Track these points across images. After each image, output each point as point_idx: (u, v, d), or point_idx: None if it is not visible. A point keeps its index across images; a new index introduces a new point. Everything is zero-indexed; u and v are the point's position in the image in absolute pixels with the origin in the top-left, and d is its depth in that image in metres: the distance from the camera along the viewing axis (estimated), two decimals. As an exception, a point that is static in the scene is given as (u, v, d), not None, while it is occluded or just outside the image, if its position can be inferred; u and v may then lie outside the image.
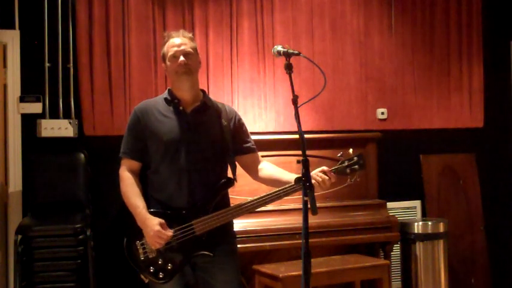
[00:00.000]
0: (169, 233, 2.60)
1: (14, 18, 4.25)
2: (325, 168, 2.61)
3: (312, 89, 4.68)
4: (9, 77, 4.24)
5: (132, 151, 2.79)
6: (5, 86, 4.28)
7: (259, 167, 2.86)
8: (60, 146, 4.28)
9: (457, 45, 5.23)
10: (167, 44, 2.77)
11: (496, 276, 5.20)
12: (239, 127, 2.86)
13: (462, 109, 5.23)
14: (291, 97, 2.33)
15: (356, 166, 2.62)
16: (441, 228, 4.54)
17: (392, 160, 4.97)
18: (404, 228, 4.49)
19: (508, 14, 5.46)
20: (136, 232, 2.67)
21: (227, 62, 4.61)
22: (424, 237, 4.48)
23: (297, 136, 2.38)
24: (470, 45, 5.26)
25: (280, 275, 3.64)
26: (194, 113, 2.74)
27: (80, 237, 3.77)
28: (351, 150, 2.65)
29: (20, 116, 4.25)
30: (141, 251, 2.68)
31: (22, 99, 4.24)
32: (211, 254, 2.65)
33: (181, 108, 2.74)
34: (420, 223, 4.53)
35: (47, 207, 4.07)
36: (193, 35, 4.46)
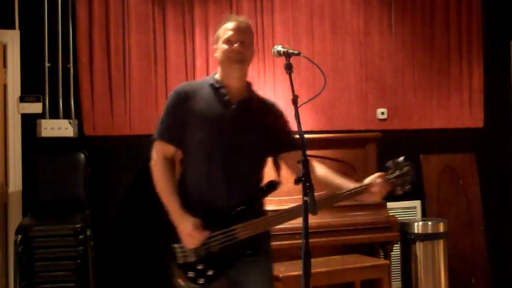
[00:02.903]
0: (205, 234, 2.41)
1: (14, 18, 4.25)
2: (381, 174, 2.48)
3: (312, 89, 4.68)
4: (9, 77, 4.25)
5: (170, 134, 2.51)
6: (5, 86, 4.28)
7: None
8: (60, 146, 4.28)
9: (457, 45, 5.23)
10: (224, 26, 2.54)
11: (496, 276, 5.20)
12: (285, 124, 2.65)
13: (462, 109, 5.23)
14: (291, 97, 2.33)
15: (408, 177, 2.50)
16: (441, 228, 4.54)
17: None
18: (404, 228, 4.49)
19: (508, 14, 5.46)
20: (174, 234, 2.46)
21: (227, 62, 4.61)
22: (424, 237, 4.48)
23: (297, 136, 2.36)
24: (470, 45, 5.26)
25: (280, 275, 3.64)
26: (240, 104, 2.51)
27: (80, 237, 3.77)
28: (401, 159, 2.50)
29: (20, 116, 4.25)
30: (180, 254, 2.46)
31: (22, 99, 4.24)
32: (255, 257, 2.46)
33: (227, 98, 2.50)
34: (420, 223, 4.53)
35: (47, 207, 4.07)
36: (193, 35, 4.56)
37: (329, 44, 4.89)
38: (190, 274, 2.44)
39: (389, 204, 4.56)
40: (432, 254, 4.49)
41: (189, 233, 2.39)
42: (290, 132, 2.65)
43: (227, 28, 2.53)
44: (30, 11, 4.28)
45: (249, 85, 2.61)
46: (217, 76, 2.57)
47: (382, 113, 5.01)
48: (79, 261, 3.75)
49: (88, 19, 4.33)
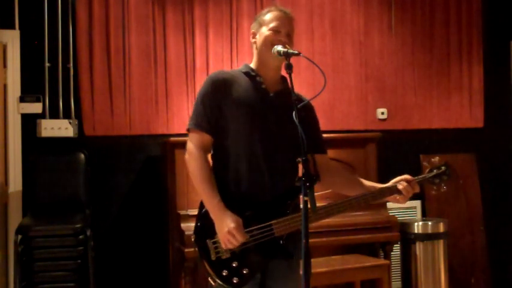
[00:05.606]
0: (245, 235, 2.27)
1: (14, 18, 4.25)
2: (408, 177, 2.45)
3: (312, 89, 4.68)
4: (9, 77, 4.25)
5: (208, 123, 2.37)
6: (5, 86, 4.28)
7: (331, 169, 2.55)
8: (60, 146, 4.28)
9: (457, 45, 5.23)
10: (273, 13, 2.48)
11: (496, 276, 5.20)
12: (317, 123, 2.64)
13: (462, 109, 5.23)
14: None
15: (445, 176, 2.51)
16: (441, 228, 4.54)
17: (392, 160, 4.97)
18: (404, 228, 4.49)
19: (508, 14, 5.46)
20: (207, 229, 2.32)
21: (227, 62, 4.61)
22: (424, 237, 4.48)
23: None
24: (470, 45, 5.26)
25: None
26: (277, 95, 2.44)
27: (80, 237, 3.77)
28: (437, 158, 2.57)
29: (20, 116, 4.25)
30: (212, 250, 2.31)
31: (22, 99, 4.24)
32: (289, 259, 2.32)
33: (264, 86, 2.43)
34: (420, 223, 4.53)
35: (47, 207, 4.07)
36: (193, 35, 4.56)
37: (329, 44, 4.89)
38: (224, 272, 2.29)
39: (390, 204, 4.55)
40: (432, 254, 4.49)
41: (229, 231, 2.24)
42: (319, 133, 2.62)
43: (277, 17, 2.47)
44: (30, 11, 4.28)
45: (283, 78, 2.53)
46: (252, 65, 2.50)
47: (382, 113, 5.01)
48: (79, 261, 3.75)
49: (88, 19, 4.34)
